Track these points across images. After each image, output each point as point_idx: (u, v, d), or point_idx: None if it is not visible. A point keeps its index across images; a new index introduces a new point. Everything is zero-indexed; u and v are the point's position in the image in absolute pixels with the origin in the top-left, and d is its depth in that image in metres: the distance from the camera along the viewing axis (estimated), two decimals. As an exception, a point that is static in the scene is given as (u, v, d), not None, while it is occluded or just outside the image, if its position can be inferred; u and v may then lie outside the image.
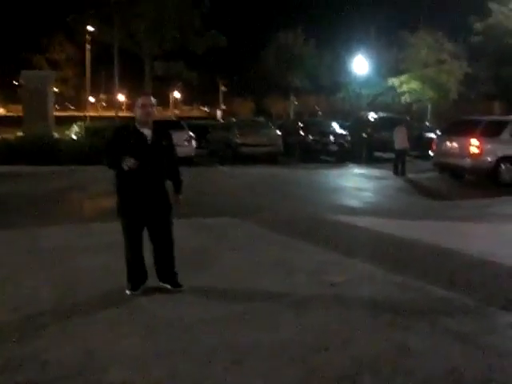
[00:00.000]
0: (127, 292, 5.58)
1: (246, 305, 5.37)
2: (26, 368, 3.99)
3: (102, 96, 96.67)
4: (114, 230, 8.33)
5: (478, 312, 5.26)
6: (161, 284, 5.68)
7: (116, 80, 36.29)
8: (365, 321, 5.00)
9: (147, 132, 5.47)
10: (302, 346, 4.41)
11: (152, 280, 5.72)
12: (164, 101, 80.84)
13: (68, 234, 8.53)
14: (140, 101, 5.47)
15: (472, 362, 4.16)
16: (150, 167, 5.40)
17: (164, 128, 5.80)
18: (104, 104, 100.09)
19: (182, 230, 6.77)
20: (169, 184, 5.70)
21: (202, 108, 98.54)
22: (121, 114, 50.55)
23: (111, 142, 5.55)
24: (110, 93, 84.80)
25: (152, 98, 5.56)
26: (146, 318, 5.00)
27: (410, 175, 17.88)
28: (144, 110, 5.45)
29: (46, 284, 5.94)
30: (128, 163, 5.22)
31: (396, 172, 18.21)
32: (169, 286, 5.64)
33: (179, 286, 5.66)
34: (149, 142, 5.46)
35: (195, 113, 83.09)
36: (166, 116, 55.33)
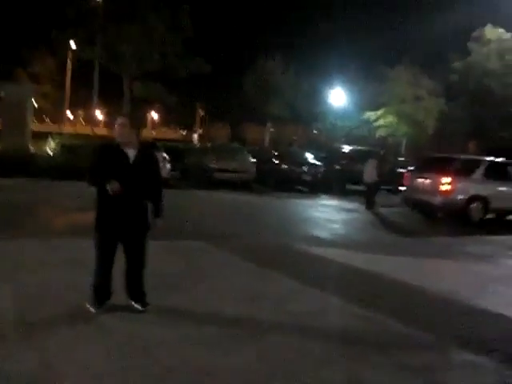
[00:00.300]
0: (89, 307, 5.60)
1: (207, 328, 5.39)
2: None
3: (80, 112, 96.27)
4: (83, 247, 8.35)
5: (436, 349, 5.33)
6: (130, 302, 5.71)
7: (94, 97, 36.34)
8: (320, 351, 5.04)
9: (131, 152, 5.55)
10: (256, 373, 4.44)
11: (117, 298, 5.72)
12: (140, 121, 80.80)
13: (36, 247, 8.45)
14: (117, 121, 5.61)
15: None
16: (131, 187, 5.45)
17: (149, 149, 5.91)
18: (82, 121, 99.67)
19: (154, 252, 6.77)
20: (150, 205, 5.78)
21: (179, 131, 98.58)
22: (98, 131, 50.41)
23: (96, 160, 5.59)
24: (89, 110, 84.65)
25: (124, 118, 5.65)
26: (106, 335, 5.01)
27: (381, 209, 18.05)
28: (119, 130, 5.54)
29: (8, 297, 5.90)
30: (113, 187, 5.27)
31: (369, 206, 18.40)
32: (137, 306, 5.68)
33: (146, 304, 5.71)
34: (131, 161, 5.53)
35: (171, 135, 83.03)
36: (143, 137, 55.00)
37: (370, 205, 18.39)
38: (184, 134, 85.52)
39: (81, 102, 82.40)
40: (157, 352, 4.69)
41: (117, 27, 31.41)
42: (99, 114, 65.45)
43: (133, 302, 5.70)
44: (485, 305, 6.90)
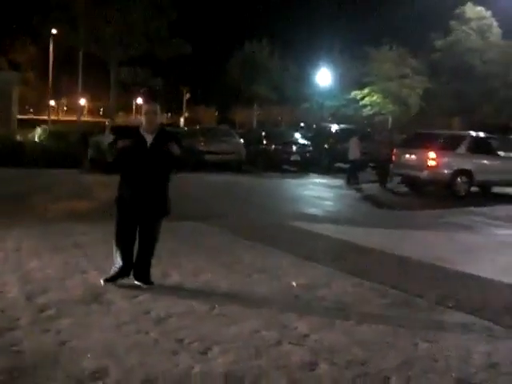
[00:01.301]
0: (101, 281, 5.92)
1: (210, 301, 5.62)
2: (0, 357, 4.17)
3: (63, 100, 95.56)
4: (79, 232, 8.67)
5: (429, 311, 5.65)
6: (135, 282, 5.94)
7: (79, 84, 36.23)
8: (322, 317, 5.33)
9: (148, 137, 5.80)
10: (264, 339, 4.70)
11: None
12: (128, 107, 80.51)
13: (34, 234, 8.63)
14: (143, 109, 5.96)
15: (421, 354, 4.53)
16: (148, 170, 5.76)
17: (169, 134, 6.08)
18: (65, 108, 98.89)
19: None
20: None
21: (165, 115, 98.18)
22: (83, 118, 50.29)
23: (114, 143, 5.86)
24: (72, 97, 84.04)
25: (156, 106, 5.98)
26: (116, 312, 5.23)
27: (366, 185, 18.43)
28: (147, 117, 5.85)
29: (16, 281, 6.08)
30: (120, 144, 5.70)
31: (349, 182, 18.87)
32: (142, 284, 5.90)
33: (151, 283, 5.95)
34: (148, 146, 5.79)
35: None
36: (130, 121, 55.13)
37: (351, 181, 18.86)
38: (168, 117, 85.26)
39: (64, 90, 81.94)
40: (165, 326, 4.93)
41: (99, 11, 31.23)
42: (82, 101, 64.99)
43: (139, 282, 5.94)
44: (471, 270, 7.25)
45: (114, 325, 4.90)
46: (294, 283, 6.42)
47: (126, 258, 5.90)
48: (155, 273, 6.16)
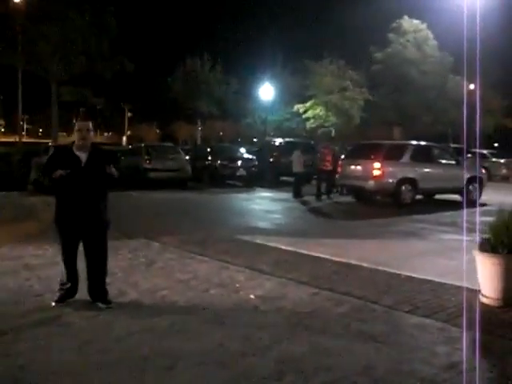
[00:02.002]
0: (52, 303, 5.87)
1: (170, 318, 5.59)
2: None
3: (1, 121, 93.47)
4: (28, 254, 8.48)
5: (386, 316, 5.75)
6: (95, 303, 5.87)
7: (20, 104, 35.45)
8: (283, 327, 5.36)
9: (82, 155, 5.76)
10: (228, 353, 4.70)
11: (80, 294, 5.92)
12: (68, 126, 79.25)
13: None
14: (76, 126, 5.81)
15: (384, 357, 4.61)
16: (84, 188, 5.71)
17: (103, 152, 6.06)
18: (2, 130, 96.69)
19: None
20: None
21: (106, 134, 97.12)
22: (22, 139, 49.10)
23: (48, 163, 5.88)
24: (10, 118, 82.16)
25: (89, 123, 5.88)
26: (76, 333, 5.14)
27: (311, 197, 18.63)
28: (80, 134, 5.78)
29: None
30: (56, 174, 5.59)
31: (295, 194, 19.08)
32: (100, 304, 5.83)
33: (109, 303, 5.87)
34: (82, 164, 5.74)
35: (99, 138, 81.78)
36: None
37: (296, 194, 19.08)
38: (109, 136, 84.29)
39: (2, 110, 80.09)
40: (127, 344, 4.88)
41: (38, 28, 30.72)
42: (22, 122, 63.68)
43: (97, 302, 5.86)
44: (422, 275, 7.42)
45: (76, 346, 4.81)
46: (253, 295, 6.43)
47: (71, 277, 5.91)
48: (111, 291, 6.08)
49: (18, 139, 36.85)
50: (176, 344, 4.87)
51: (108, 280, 6.04)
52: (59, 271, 6.02)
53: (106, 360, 4.52)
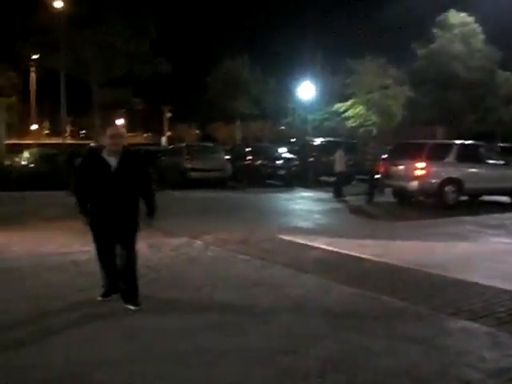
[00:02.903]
0: (98, 298, 6.00)
1: (212, 315, 5.64)
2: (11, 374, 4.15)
3: (45, 124, 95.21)
4: (73, 251, 8.62)
5: (431, 319, 5.64)
6: (124, 305, 5.83)
7: (63, 106, 36.04)
8: (326, 327, 5.32)
9: (113, 161, 5.71)
10: (270, 350, 4.69)
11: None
12: (107, 128, 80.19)
13: (29, 255, 8.56)
14: (108, 132, 5.77)
15: (427, 360, 4.52)
16: (115, 193, 5.70)
17: (134, 156, 5.98)
18: (47, 131, 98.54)
19: (143, 250, 7.01)
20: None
21: (145, 135, 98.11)
22: (68, 141, 49.97)
23: (79, 171, 5.91)
24: (54, 120, 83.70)
25: (122, 129, 6.05)
26: (120, 327, 5.22)
27: (351, 197, 18.45)
28: (112, 141, 5.73)
29: (19, 299, 6.09)
30: (82, 220, 5.86)
31: (336, 194, 18.91)
32: (130, 306, 5.77)
33: (139, 305, 5.80)
34: (112, 170, 5.70)
35: (139, 139, 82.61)
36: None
37: (337, 193, 18.91)
38: (148, 137, 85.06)
39: (46, 113, 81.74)
40: (169, 339, 4.92)
41: (79, 33, 31.27)
42: (66, 124, 64.87)
43: (128, 305, 5.81)
44: (469, 278, 7.23)
45: (119, 339, 4.88)
46: (294, 294, 6.40)
47: (109, 276, 6.01)
48: (154, 287, 6.14)
49: (61, 140, 37.42)
50: (217, 340, 4.90)
51: (152, 276, 6.09)
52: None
53: (149, 354, 4.58)
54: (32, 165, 23.14)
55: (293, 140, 36.00)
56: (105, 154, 5.75)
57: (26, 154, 25.44)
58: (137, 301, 5.82)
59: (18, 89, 66.15)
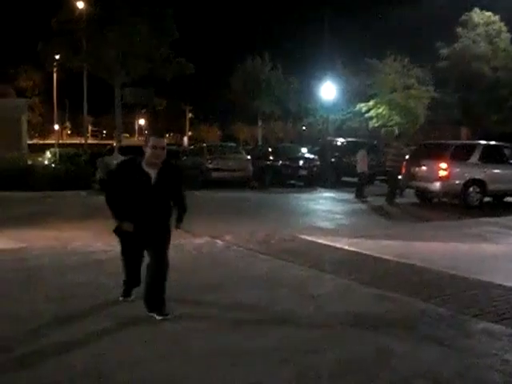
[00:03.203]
0: (120, 298, 6.05)
1: (233, 315, 5.68)
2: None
3: (67, 124, 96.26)
4: (96, 250, 8.72)
5: (453, 320, 5.62)
6: (148, 314, 5.57)
7: (85, 107, 36.41)
8: (347, 327, 5.33)
9: (152, 172, 5.45)
10: (290, 350, 4.72)
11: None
12: (129, 128, 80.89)
13: (52, 254, 8.67)
14: (151, 142, 5.42)
15: (449, 361, 4.52)
16: (151, 205, 5.50)
17: (173, 169, 5.69)
18: (69, 131, 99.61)
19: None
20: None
21: (167, 135, 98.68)
22: (89, 141, 50.52)
23: (114, 177, 5.60)
24: (75, 120, 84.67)
25: (164, 141, 5.59)
26: (142, 328, 5.29)
27: (373, 198, 18.38)
28: (154, 152, 5.40)
29: (43, 300, 6.15)
30: (125, 226, 5.49)
31: (358, 195, 18.86)
32: (156, 316, 5.50)
33: (166, 314, 5.53)
34: (152, 182, 5.45)
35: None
36: (135, 142, 55.57)
37: (359, 194, 18.86)
38: (170, 137, 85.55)
39: (68, 113, 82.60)
40: (191, 339, 4.98)
41: (102, 34, 31.53)
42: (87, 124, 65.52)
43: (153, 313, 5.54)
44: (492, 279, 7.19)
45: (142, 339, 4.93)
46: (315, 294, 6.42)
47: (133, 277, 6.03)
48: (176, 287, 6.17)
49: (83, 141, 37.83)
50: (239, 341, 4.93)
51: (174, 277, 6.12)
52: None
53: (171, 354, 4.63)
54: (54, 165, 23.43)
55: (319, 140, 35.84)
56: (144, 165, 5.45)
57: (48, 154, 25.78)
58: (163, 310, 5.55)
59: (40, 89, 67.26)
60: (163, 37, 33.30)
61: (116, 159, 20.35)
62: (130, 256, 5.91)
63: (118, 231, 5.66)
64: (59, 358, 4.53)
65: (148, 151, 5.40)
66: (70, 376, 4.20)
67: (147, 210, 5.49)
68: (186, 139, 66.53)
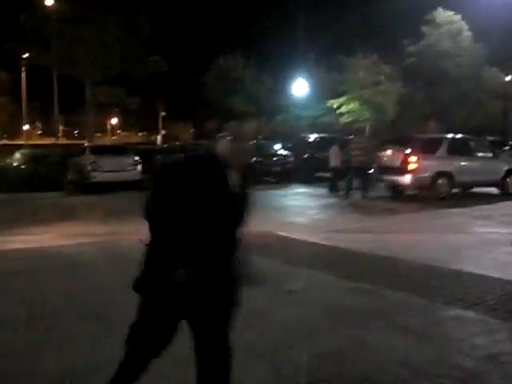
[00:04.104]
0: None
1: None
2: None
3: (38, 124, 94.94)
4: (74, 251, 8.72)
5: (425, 309, 5.79)
6: None
7: (55, 106, 36.07)
8: (323, 320, 5.45)
9: (235, 177, 3.22)
10: (267, 345, 4.83)
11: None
12: (101, 127, 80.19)
13: (30, 257, 8.65)
14: (237, 130, 3.28)
15: (423, 349, 4.67)
16: (222, 229, 3.26)
17: (253, 172, 3.74)
18: (40, 132, 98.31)
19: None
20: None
21: (139, 134, 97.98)
22: (59, 141, 50.03)
23: (164, 188, 3.11)
24: (46, 120, 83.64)
25: (254, 130, 3.48)
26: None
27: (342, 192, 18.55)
28: (241, 146, 3.24)
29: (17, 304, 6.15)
30: (177, 276, 3.00)
31: (331, 190, 19.04)
32: None
33: None
34: (233, 192, 3.23)
35: (134, 139, 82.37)
36: (112, 141, 55.19)
37: (332, 189, 19.04)
38: (142, 135, 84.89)
39: (39, 113, 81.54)
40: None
41: (72, 31, 31.20)
42: (58, 124, 64.70)
43: None
44: (461, 268, 7.43)
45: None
46: (291, 289, 6.52)
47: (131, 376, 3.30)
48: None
49: (54, 141, 37.42)
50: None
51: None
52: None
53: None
54: (23, 166, 23.17)
55: (292, 137, 36.06)
56: (223, 167, 3.20)
57: (17, 155, 25.43)
58: None
59: (8, 88, 66.17)
60: (135, 35, 33.11)
61: (87, 160, 20.22)
62: (151, 336, 3.21)
63: (150, 286, 3.11)
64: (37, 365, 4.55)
65: (228, 146, 3.21)
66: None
67: (214, 238, 3.19)
68: (159, 138, 66.20)
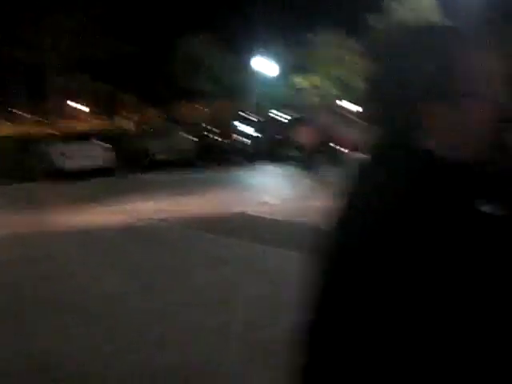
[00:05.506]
0: None
1: (182, 297, 5.71)
2: None
3: None
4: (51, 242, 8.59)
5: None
6: None
7: (18, 95, 35.32)
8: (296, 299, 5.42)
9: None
10: (240, 326, 4.81)
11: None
12: (67, 114, 79.02)
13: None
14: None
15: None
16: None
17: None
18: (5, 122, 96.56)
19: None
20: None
21: (110, 120, 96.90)
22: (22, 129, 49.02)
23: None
24: (10, 109, 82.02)
25: None
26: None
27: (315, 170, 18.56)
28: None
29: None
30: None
31: (303, 168, 19.06)
32: None
33: None
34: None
35: (105, 125, 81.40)
36: (81, 128, 54.20)
37: (304, 167, 19.06)
38: (112, 121, 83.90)
39: (3, 102, 79.91)
40: (145, 322, 5.00)
41: (35, 18, 30.56)
42: (23, 113, 63.49)
43: None
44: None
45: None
46: (262, 270, 6.49)
47: None
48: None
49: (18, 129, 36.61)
50: (192, 319, 5.02)
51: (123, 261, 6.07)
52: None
53: (145, 339, 4.62)
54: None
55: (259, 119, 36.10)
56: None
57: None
58: None
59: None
60: (96, 19, 32.57)
61: (55, 148, 19.66)
62: None
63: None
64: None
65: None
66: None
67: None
68: (130, 123, 65.39)
